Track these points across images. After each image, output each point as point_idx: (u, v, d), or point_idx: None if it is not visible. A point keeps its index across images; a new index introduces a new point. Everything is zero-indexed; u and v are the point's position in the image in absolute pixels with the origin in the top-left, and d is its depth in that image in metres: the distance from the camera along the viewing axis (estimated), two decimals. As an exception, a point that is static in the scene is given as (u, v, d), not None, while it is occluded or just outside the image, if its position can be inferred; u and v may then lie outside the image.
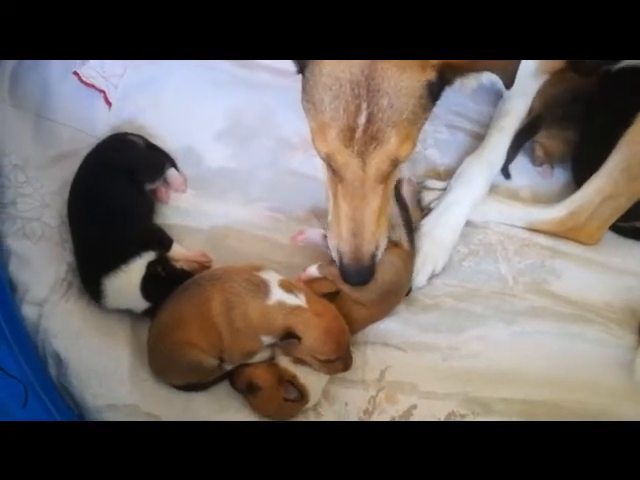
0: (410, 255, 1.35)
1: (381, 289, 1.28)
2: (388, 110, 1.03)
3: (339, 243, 1.20)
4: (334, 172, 1.14)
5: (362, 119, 1.04)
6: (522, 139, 1.50)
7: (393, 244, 1.29)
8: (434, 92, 1.08)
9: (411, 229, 1.36)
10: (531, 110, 1.52)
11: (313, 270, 1.33)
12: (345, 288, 1.29)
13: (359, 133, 1.05)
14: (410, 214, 1.34)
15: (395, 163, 1.10)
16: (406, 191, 1.41)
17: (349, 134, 1.05)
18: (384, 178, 1.12)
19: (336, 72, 1.04)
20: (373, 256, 1.20)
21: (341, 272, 1.22)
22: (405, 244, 1.32)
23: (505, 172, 1.51)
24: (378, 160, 1.07)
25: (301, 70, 1.12)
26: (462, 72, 1.08)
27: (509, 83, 1.11)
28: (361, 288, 1.26)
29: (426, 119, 1.12)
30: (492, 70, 1.11)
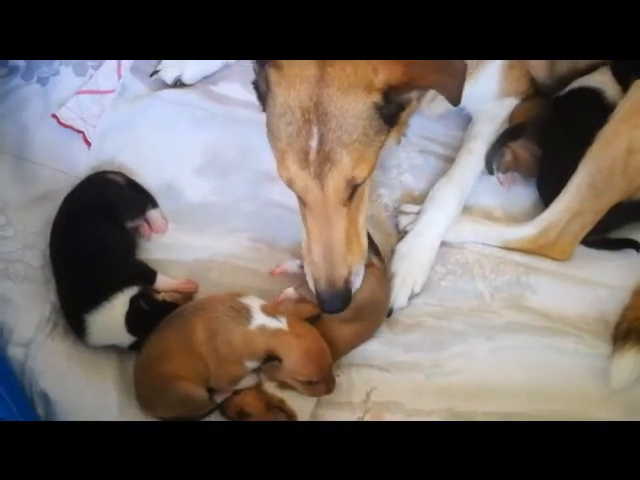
0: (382, 271, 1.38)
1: (358, 305, 1.29)
2: (337, 131, 1.09)
3: (313, 269, 1.23)
4: (299, 198, 1.19)
5: (314, 141, 1.10)
6: (505, 140, 1.54)
7: (365, 265, 1.30)
8: (385, 114, 1.13)
9: (375, 246, 1.38)
10: (512, 117, 1.57)
11: (290, 291, 1.36)
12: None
13: (313, 155, 1.10)
14: (369, 234, 1.35)
15: (351, 183, 1.14)
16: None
17: (304, 156, 1.11)
18: (345, 200, 1.16)
19: (287, 101, 1.11)
20: (347, 281, 1.21)
21: (318, 301, 1.23)
22: (375, 262, 1.35)
23: (489, 168, 1.54)
24: (334, 181, 1.12)
25: (264, 108, 1.19)
26: (405, 91, 1.13)
27: (454, 100, 1.13)
28: None
29: (382, 142, 1.17)
30: (434, 87, 1.16)
